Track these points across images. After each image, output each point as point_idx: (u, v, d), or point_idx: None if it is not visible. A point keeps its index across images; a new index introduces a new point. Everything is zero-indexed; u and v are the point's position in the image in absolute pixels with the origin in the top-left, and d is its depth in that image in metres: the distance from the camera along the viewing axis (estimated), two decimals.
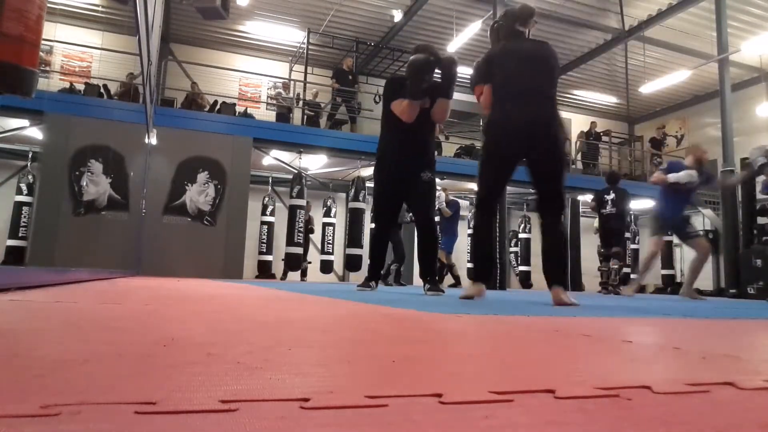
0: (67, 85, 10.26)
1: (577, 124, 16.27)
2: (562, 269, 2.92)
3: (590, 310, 2.53)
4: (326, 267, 10.95)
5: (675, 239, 13.25)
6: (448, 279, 10.19)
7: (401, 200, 4.20)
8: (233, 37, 13.14)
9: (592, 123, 14.53)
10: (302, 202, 9.89)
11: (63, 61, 12.20)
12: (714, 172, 6.30)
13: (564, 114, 16.68)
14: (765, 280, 7.56)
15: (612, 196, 8.20)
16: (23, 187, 9.61)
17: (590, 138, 14.14)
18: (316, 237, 11.65)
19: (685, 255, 14.24)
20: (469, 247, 12.69)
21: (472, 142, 12.71)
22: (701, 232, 5.98)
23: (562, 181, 2.95)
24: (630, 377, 0.64)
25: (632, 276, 10.55)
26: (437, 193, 10.19)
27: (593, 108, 16.49)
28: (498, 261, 9.09)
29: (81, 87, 9.85)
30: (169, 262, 8.19)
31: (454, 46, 11.95)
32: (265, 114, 11.69)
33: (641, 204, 12.75)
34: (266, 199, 11.40)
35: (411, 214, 4.98)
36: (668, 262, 13.14)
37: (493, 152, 3.14)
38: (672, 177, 5.64)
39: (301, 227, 9.83)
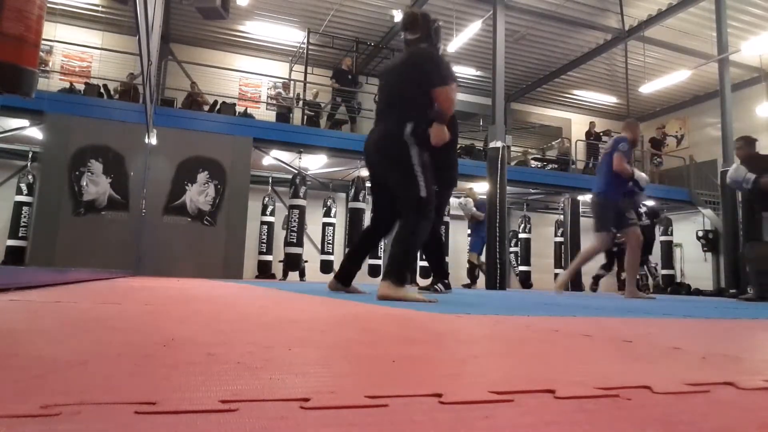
0: (67, 85, 10.26)
1: (577, 124, 16.29)
2: (395, 262, 2.81)
3: (590, 310, 2.53)
4: (326, 267, 10.95)
5: (675, 239, 13.34)
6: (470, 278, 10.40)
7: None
8: (233, 37, 13.14)
9: (591, 123, 14.54)
10: (301, 202, 9.90)
11: (63, 61, 12.21)
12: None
13: (564, 114, 16.71)
14: (765, 280, 7.55)
15: (645, 209, 8.62)
16: (23, 187, 9.61)
17: (590, 138, 14.16)
18: (316, 237, 11.65)
19: (685, 255, 14.25)
20: (469, 247, 12.72)
21: (472, 142, 12.72)
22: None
23: (405, 189, 2.92)
24: (630, 377, 0.64)
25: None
26: (464, 200, 10.28)
27: (593, 108, 16.50)
28: (499, 261, 9.14)
29: (81, 87, 9.85)
30: (169, 262, 8.20)
31: (454, 46, 11.95)
32: (265, 114, 11.69)
33: None
34: (266, 199, 11.40)
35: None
36: (668, 261, 13.16)
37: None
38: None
39: (294, 226, 9.84)
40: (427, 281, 4.90)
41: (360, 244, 3.62)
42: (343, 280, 3.50)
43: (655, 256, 14.01)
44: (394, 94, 3.10)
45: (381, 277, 2.82)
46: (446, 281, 4.64)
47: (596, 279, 9.17)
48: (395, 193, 3.03)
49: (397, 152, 2.92)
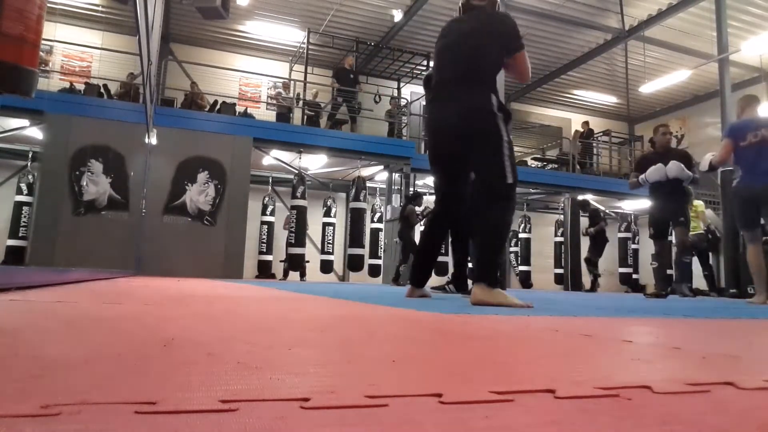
0: (67, 85, 10.27)
1: (577, 124, 16.30)
2: (484, 262, 2.51)
3: (590, 310, 2.53)
4: (326, 267, 10.95)
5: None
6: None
7: None
8: (233, 37, 13.14)
9: (584, 123, 14.47)
10: (302, 203, 9.91)
11: (63, 61, 12.21)
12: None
13: (564, 114, 16.71)
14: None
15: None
16: (23, 187, 9.62)
17: (581, 137, 14.09)
18: (316, 237, 11.66)
19: None
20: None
21: None
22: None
23: (490, 171, 2.58)
24: (630, 377, 0.64)
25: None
26: None
27: (593, 108, 16.50)
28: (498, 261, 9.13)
29: (81, 87, 9.85)
30: (169, 262, 8.19)
31: None
32: (265, 114, 11.69)
33: (640, 204, 12.77)
34: (266, 199, 11.40)
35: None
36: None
37: (430, 157, 2.96)
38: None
39: (291, 226, 9.90)
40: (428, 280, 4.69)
41: (428, 244, 3.15)
42: (421, 285, 3.15)
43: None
44: (473, 62, 2.71)
45: (474, 279, 2.50)
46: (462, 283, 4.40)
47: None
48: (478, 177, 2.65)
49: (487, 126, 2.57)
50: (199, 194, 8.67)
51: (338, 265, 11.98)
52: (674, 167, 5.49)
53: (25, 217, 9.46)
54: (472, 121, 2.62)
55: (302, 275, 10.81)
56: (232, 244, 8.72)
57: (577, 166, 13.33)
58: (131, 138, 8.06)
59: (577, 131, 14.25)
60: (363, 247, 10.56)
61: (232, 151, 8.92)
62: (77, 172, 8.04)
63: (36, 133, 8.68)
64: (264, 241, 11.23)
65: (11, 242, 9.41)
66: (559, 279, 13.08)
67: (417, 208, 9.08)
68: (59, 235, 7.75)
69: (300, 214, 9.86)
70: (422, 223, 11.10)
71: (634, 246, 13.72)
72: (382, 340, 1.03)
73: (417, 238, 10.11)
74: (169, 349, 0.75)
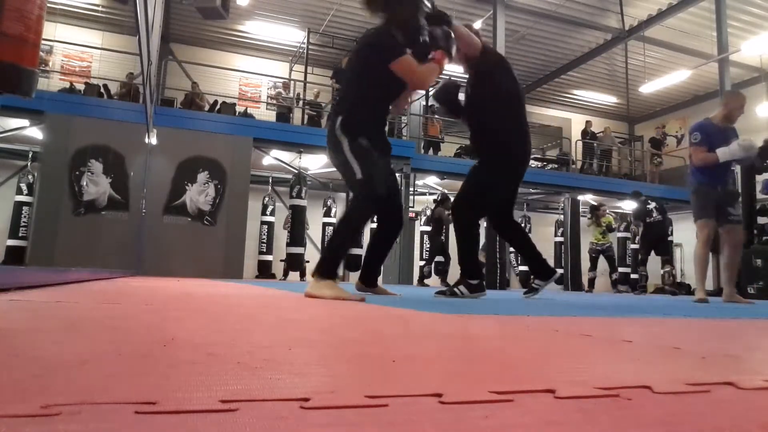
0: (67, 85, 10.27)
1: (577, 124, 16.31)
2: (323, 256, 2.89)
3: (590, 310, 2.53)
4: None
5: (675, 239, 13.36)
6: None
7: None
8: (233, 37, 13.15)
9: (588, 122, 14.49)
10: (302, 203, 9.92)
11: (63, 61, 12.21)
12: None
13: (564, 114, 16.71)
14: (765, 280, 7.54)
15: (654, 204, 8.97)
16: (23, 187, 9.62)
17: (586, 137, 14.13)
18: (316, 237, 11.65)
19: (686, 255, 14.24)
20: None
21: None
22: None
23: (346, 178, 2.92)
24: (630, 377, 0.64)
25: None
26: None
27: (593, 108, 16.51)
28: (499, 261, 9.19)
29: (81, 87, 9.85)
30: (169, 262, 8.19)
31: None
32: (265, 114, 11.70)
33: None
34: (266, 199, 11.40)
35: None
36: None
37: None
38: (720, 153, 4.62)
39: (287, 226, 9.95)
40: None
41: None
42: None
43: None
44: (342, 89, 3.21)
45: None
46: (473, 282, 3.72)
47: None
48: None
49: (333, 146, 2.94)
50: (199, 194, 8.67)
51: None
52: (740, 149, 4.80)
53: (25, 217, 9.45)
54: (327, 144, 3.01)
55: (302, 275, 10.81)
56: (232, 244, 8.72)
57: (575, 165, 13.34)
58: (131, 138, 8.06)
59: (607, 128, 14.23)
60: (362, 247, 10.55)
61: (232, 151, 8.92)
62: (77, 172, 8.04)
63: (36, 133, 8.68)
64: (264, 241, 11.23)
65: (11, 242, 9.41)
66: (559, 279, 13.07)
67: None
68: (59, 235, 7.75)
69: (297, 213, 9.85)
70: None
71: (633, 246, 13.72)
72: (382, 340, 1.03)
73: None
74: (169, 349, 0.75)
